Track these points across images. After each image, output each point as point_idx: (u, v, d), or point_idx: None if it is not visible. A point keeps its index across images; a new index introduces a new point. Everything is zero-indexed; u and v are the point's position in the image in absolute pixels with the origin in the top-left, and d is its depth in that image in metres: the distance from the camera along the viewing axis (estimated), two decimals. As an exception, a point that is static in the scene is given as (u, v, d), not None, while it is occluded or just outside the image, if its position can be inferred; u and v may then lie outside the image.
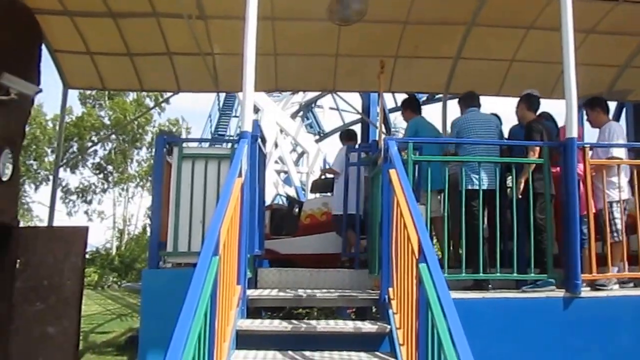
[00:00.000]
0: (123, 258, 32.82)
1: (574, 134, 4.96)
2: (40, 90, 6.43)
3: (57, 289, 5.77)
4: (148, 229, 39.65)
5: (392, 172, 4.34)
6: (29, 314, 5.69)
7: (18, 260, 5.74)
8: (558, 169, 5.24)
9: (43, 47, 7.45)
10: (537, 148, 5.32)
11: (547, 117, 6.20)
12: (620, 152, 5.55)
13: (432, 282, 2.91)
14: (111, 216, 37.40)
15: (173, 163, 5.65)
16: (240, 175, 4.26)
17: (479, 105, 6.22)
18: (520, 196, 5.29)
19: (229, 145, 6.13)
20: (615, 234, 5.31)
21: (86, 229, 6.15)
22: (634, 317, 4.92)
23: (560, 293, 4.95)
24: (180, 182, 5.57)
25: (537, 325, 4.80)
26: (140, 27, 8.17)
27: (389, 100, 18.30)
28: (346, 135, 8.10)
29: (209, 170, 5.61)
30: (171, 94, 9.84)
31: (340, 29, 8.07)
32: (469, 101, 6.25)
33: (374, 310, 8.77)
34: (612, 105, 11.27)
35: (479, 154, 5.56)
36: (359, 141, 8.48)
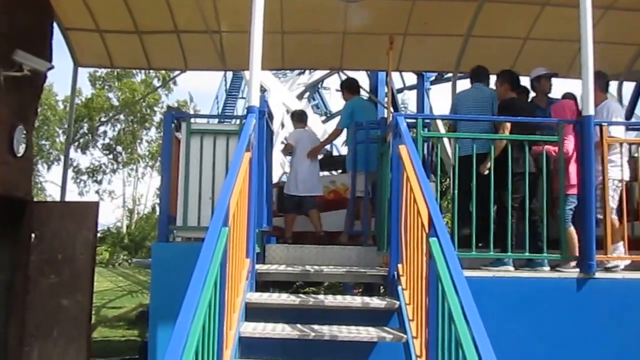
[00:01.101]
0: (133, 236, 33.21)
1: (591, 111, 4.90)
2: (53, 67, 6.47)
3: (70, 263, 5.86)
4: (157, 209, 40.15)
5: (402, 147, 4.31)
6: (43, 286, 5.80)
7: (33, 234, 5.82)
8: (540, 147, 5.21)
9: (55, 25, 7.47)
10: (508, 125, 5.32)
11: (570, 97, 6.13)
12: (619, 132, 5.47)
13: (443, 256, 2.90)
14: (121, 196, 37.65)
15: (182, 139, 5.66)
16: (248, 149, 4.25)
17: (486, 81, 6.21)
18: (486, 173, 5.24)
19: (237, 122, 6.13)
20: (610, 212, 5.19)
21: (97, 204, 6.22)
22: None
23: (575, 273, 4.91)
24: (189, 158, 5.59)
25: (549, 305, 4.78)
26: (148, 5, 8.16)
27: (397, 79, 18.25)
28: (297, 117, 8.02)
29: (217, 146, 5.63)
30: (178, 73, 9.77)
31: (347, 5, 8.00)
32: (473, 77, 6.32)
33: (381, 290, 8.84)
34: (631, 85, 11.13)
35: (470, 131, 5.57)
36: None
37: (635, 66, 8.80)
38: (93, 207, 6.28)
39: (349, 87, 7.48)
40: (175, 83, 32.17)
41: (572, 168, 5.19)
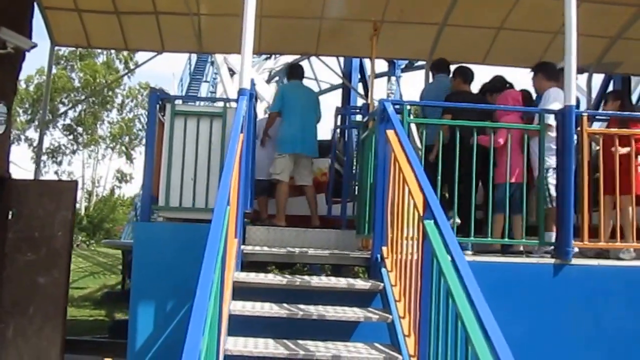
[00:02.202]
0: (91, 218, 32.73)
1: (572, 101, 5.05)
2: (35, 45, 6.38)
3: (47, 241, 5.82)
4: (116, 191, 39.74)
5: (390, 132, 4.42)
6: (20, 263, 5.76)
7: (10, 212, 5.76)
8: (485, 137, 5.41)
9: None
10: (449, 116, 5.62)
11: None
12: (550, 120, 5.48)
13: (441, 237, 3.02)
14: (80, 177, 37.00)
15: (165, 120, 5.67)
16: (242, 131, 4.30)
17: (446, 72, 6.45)
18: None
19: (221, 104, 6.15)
20: (549, 200, 5.35)
21: (76, 183, 6.18)
22: (622, 285, 5.07)
23: (552, 259, 5.08)
24: (172, 139, 5.60)
25: (527, 290, 4.95)
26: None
27: (368, 66, 18.33)
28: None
29: (201, 128, 5.65)
30: (152, 56, 9.66)
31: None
32: (434, 69, 6.81)
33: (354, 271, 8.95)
34: (600, 77, 11.47)
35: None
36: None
37: (605, 58, 9.07)
38: (71, 186, 6.25)
39: (288, 73, 7.75)
40: (137, 65, 31.68)
41: (509, 157, 5.34)
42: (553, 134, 5.31)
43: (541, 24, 8.29)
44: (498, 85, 6.40)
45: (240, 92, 4.73)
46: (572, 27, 5.07)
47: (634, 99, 12.19)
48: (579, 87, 7.24)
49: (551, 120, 5.32)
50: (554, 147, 5.31)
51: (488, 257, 5.20)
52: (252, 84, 5.02)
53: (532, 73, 6.06)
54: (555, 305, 4.99)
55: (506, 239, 5.32)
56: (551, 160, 5.36)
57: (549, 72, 5.85)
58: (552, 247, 5.24)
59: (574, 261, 5.08)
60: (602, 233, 5.16)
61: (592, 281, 5.08)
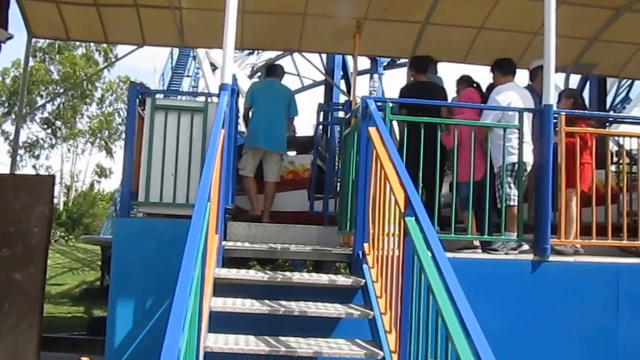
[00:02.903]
0: (70, 213, 32.38)
1: (551, 100, 5.11)
2: (11, 36, 6.27)
3: (24, 237, 5.71)
4: (96, 186, 39.36)
5: (372, 129, 4.42)
6: (-5, 259, 5.64)
7: (-16, 207, 5.65)
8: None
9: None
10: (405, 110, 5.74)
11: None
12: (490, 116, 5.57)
13: (422, 234, 3.03)
14: (59, 171, 36.56)
15: (145, 114, 5.62)
16: (223, 126, 4.27)
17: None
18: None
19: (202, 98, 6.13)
20: (508, 198, 5.39)
21: (53, 177, 6.08)
22: (599, 282, 5.17)
23: (530, 256, 5.15)
24: (153, 134, 5.56)
25: (506, 286, 5.01)
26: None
27: (350, 63, 18.33)
28: None
29: (182, 123, 5.61)
30: (133, 49, 9.56)
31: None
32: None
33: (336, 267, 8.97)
34: (577, 77, 11.65)
35: None
36: None
37: (582, 60, 9.20)
38: (49, 180, 6.13)
39: (265, 71, 7.85)
40: (117, 57, 31.41)
41: (463, 156, 5.38)
42: (511, 130, 5.39)
43: (521, 24, 8.38)
44: (465, 84, 6.54)
45: (222, 87, 4.70)
46: (551, 28, 5.14)
47: (608, 99, 12.41)
48: (556, 87, 7.32)
49: (514, 118, 5.42)
50: (516, 144, 5.36)
51: (467, 254, 5.24)
52: (234, 79, 4.99)
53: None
54: (534, 301, 5.06)
55: (486, 236, 5.34)
56: (510, 158, 5.39)
57: (504, 68, 5.96)
58: (517, 244, 5.34)
59: (552, 258, 5.15)
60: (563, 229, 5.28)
61: (568, 277, 5.16)
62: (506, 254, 5.29)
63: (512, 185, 5.38)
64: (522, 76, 7.00)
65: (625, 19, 8.37)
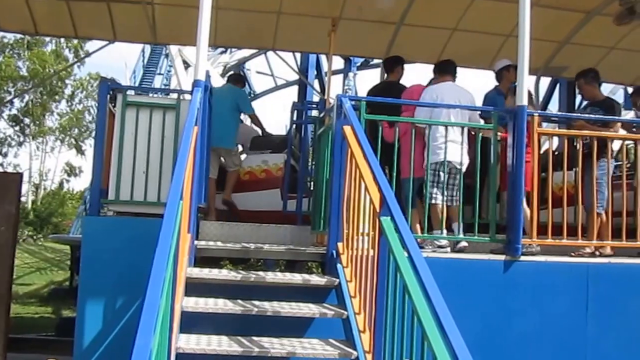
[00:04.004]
0: (39, 212, 31.78)
1: (524, 102, 5.16)
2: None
3: (-11, 236, 5.58)
4: (65, 185, 38.71)
5: (347, 128, 4.40)
6: (-40, 258, 5.49)
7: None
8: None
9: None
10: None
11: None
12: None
13: (398, 233, 3.01)
14: (27, 170, 35.86)
15: (117, 111, 5.52)
16: (196, 123, 4.21)
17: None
18: None
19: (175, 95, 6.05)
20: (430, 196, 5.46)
21: (20, 175, 5.94)
22: (570, 282, 5.24)
23: (502, 256, 5.19)
24: (124, 131, 5.46)
25: (478, 286, 5.04)
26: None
27: (324, 63, 18.33)
28: None
29: (153, 120, 5.52)
30: (104, 45, 9.39)
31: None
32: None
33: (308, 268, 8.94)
34: (547, 80, 11.82)
35: None
36: None
37: (553, 62, 9.32)
38: (15, 178, 5.99)
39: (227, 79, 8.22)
40: (88, 54, 30.96)
41: (404, 153, 5.47)
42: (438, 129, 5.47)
43: (494, 26, 8.44)
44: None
45: (195, 83, 4.63)
46: (526, 31, 5.18)
47: (577, 101, 12.63)
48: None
49: (443, 114, 5.55)
50: (442, 144, 5.39)
51: (440, 254, 5.25)
52: (207, 75, 4.92)
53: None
54: (506, 300, 5.11)
55: (460, 236, 5.37)
56: (433, 157, 5.43)
57: (443, 69, 6.17)
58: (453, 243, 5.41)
59: (523, 258, 5.20)
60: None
61: (539, 277, 5.22)
62: (433, 251, 5.29)
63: (435, 185, 5.44)
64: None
65: (595, 22, 8.48)
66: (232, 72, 9.10)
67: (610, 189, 5.75)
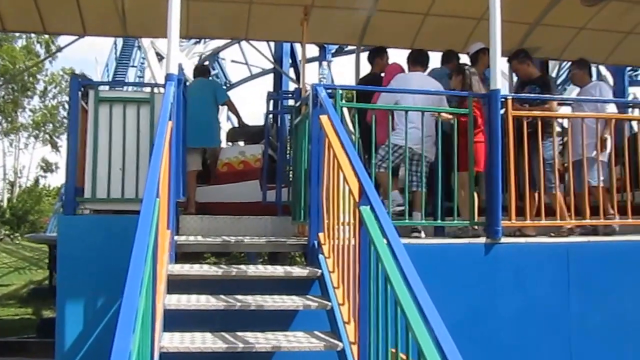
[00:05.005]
0: (15, 210, 31.36)
1: (498, 85, 5.18)
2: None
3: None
4: (41, 181, 38.17)
5: (324, 117, 4.37)
6: None
7: None
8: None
9: None
10: None
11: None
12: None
13: (377, 222, 3.00)
14: (1, 167, 35.32)
15: (89, 107, 5.42)
16: (170, 118, 4.14)
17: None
18: None
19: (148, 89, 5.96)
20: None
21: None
22: (550, 262, 5.30)
23: (482, 239, 5.22)
24: (98, 127, 5.37)
25: (460, 269, 5.07)
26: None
27: (299, 50, 18.23)
28: None
29: (127, 115, 5.44)
30: (73, 40, 9.21)
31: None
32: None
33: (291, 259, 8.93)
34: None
35: None
36: None
37: (525, 43, 9.35)
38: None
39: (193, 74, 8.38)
40: (60, 50, 30.36)
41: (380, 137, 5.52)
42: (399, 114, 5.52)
43: (465, 10, 8.45)
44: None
45: (168, 77, 4.56)
46: (497, 15, 5.20)
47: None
48: (502, 73, 7.43)
49: (408, 102, 5.59)
50: (401, 130, 5.39)
51: (422, 240, 5.27)
52: (180, 68, 4.85)
53: None
54: (488, 282, 5.14)
55: (439, 221, 5.38)
56: (393, 138, 5.45)
57: (414, 59, 6.29)
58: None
59: (503, 239, 5.23)
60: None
61: (520, 258, 5.27)
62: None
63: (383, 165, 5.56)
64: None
65: (565, 3, 8.54)
66: (196, 66, 9.06)
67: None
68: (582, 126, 5.78)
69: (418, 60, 6.26)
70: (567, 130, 5.94)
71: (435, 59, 7.24)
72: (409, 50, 6.59)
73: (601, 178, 5.93)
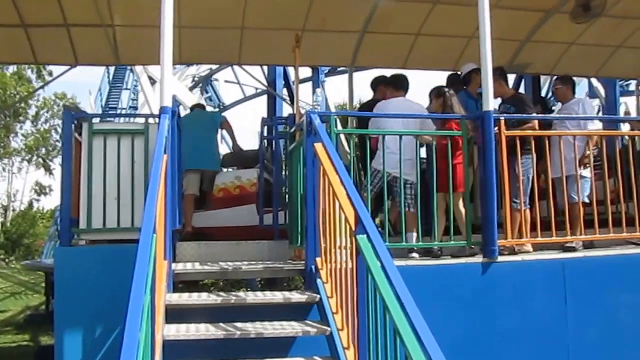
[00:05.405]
0: (9, 234, 31.19)
1: (491, 107, 5.24)
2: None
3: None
4: (35, 204, 37.99)
5: (318, 145, 4.41)
6: None
7: None
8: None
9: None
10: None
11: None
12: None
13: (375, 252, 3.03)
14: (-6, 192, 35.16)
15: (83, 140, 5.45)
16: (165, 151, 4.18)
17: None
18: None
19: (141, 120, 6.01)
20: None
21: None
22: (546, 278, 5.36)
23: (479, 258, 5.27)
24: (92, 159, 5.40)
25: (459, 289, 5.11)
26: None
27: (292, 72, 18.32)
28: None
29: (122, 146, 5.47)
30: (66, 69, 9.26)
31: (246, 1, 7.98)
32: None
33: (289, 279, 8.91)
34: (512, 78, 12.02)
35: None
36: None
37: (516, 60, 9.49)
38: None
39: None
40: (51, 74, 30.33)
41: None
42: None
43: (455, 29, 8.56)
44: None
45: (162, 110, 4.58)
46: (487, 35, 5.27)
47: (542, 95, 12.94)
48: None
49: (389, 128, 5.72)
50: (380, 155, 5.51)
51: (420, 261, 5.30)
52: (174, 100, 4.90)
53: None
54: (487, 301, 5.19)
55: (435, 242, 5.42)
56: (374, 163, 5.67)
57: (396, 84, 6.51)
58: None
59: (500, 258, 5.28)
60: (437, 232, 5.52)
61: (518, 275, 5.32)
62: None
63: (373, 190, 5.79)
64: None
65: (554, 20, 8.69)
66: (193, 105, 9.25)
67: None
68: (560, 143, 5.80)
69: (397, 85, 6.47)
70: (551, 146, 5.96)
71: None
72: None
73: (586, 193, 5.98)
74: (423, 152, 6.00)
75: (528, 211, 5.64)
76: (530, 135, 5.72)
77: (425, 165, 5.49)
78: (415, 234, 5.44)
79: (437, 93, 6.09)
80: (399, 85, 6.46)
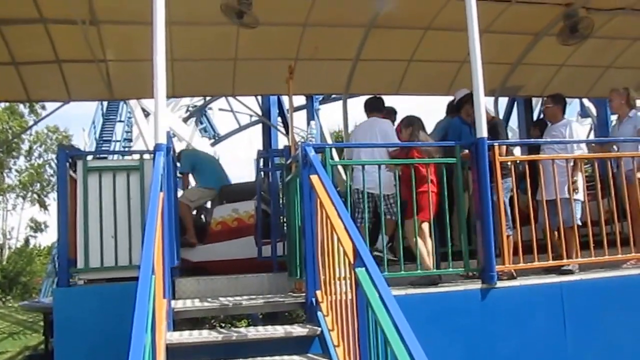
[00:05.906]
0: (6, 273, 30.92)
1: (484, 133, 5.25)
2: None
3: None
4: (31, 241, 37.76)
5: (314, 177, 4.40)
6: None
7: None
8: None
9: None
10: None
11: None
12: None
13: (373, 285, 3.00)
14: (-11, 230, 34.98)
15: (78, 177, 5.44)
16: (161, 189, 4.16)
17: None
18: None
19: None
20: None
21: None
22: (545, 303, 5.32)
23: (478, 285, 5.24)
24: (88, 197, 5.39)
25: (458, 316, 5.06)
26: (25, 34, 7.71)
27: (285, 100, 18.40)
28: None
29: (117, 183, 5.46)
30: (59, 105, 9.28)
31: (238, 32, 8.03)
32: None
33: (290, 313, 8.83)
34: (504, 100, 12.15)
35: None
36: None
37: (508, 83, 9.58)
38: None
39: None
40: (44, 108, 30.29)
41: None
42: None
43: (447, 54, 8.65)
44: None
45: (157, 147, 4.56)
46: (477, 62, 5.30)
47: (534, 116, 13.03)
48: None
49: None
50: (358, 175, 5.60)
51: (419, 290, 5.26)
52: (169, 136, 4.89)
53: None
54: (486, 327, 5.15)
55: (435, 270, 5.39)
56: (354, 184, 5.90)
57: (369, 107, 6.73)
58: None
59: (499, 284, 5.26)
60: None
61: (516, 301, 5.28)
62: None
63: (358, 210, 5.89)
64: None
65: (544, 43, 8.79)
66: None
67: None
68: (552, 166, 5.80)
69: (373, 107, 6.72)
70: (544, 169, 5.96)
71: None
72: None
73: (578, 216, 5.96)
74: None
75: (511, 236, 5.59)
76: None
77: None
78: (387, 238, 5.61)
79: (406, 123, 6.16)
80: (374, 106, 6.73)
